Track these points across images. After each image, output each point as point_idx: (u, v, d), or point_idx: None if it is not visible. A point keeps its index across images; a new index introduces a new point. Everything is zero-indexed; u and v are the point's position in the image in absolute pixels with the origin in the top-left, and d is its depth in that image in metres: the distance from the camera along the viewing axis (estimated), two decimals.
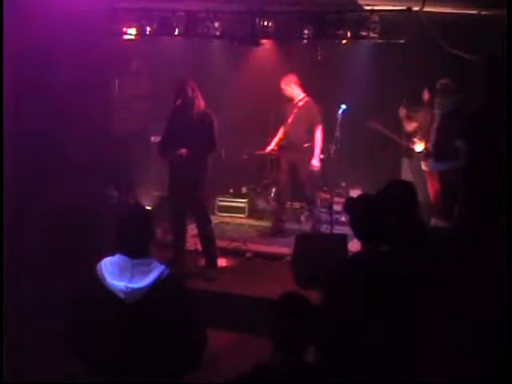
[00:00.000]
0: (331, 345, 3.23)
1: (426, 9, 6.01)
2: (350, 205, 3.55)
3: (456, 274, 4.09)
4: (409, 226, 3.74)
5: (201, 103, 6.36)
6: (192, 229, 6.87)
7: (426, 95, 7.59)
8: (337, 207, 8.15)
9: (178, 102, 6.29)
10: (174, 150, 6.27)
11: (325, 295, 3.37)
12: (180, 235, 6.60)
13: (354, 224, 3.47)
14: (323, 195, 8.59)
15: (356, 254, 3.49)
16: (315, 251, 6.18)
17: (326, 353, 3.20)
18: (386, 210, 3.41)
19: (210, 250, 6.62)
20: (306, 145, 7.66)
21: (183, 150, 6.21)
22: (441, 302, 3.56)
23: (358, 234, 3.42)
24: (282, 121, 9.12)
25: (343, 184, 8.87)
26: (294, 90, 7.70)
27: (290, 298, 2.80)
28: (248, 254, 7.14)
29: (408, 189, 3.83)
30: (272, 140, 8.02)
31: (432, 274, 3.44)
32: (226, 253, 7.01)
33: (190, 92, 6.26)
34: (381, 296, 3.16)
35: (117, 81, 7.80)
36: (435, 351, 3.51)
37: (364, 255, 3.36)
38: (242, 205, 8.72)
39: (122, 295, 2.82)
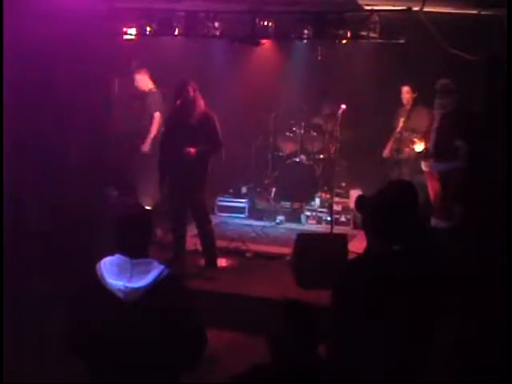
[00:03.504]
0: (344, 345, 3.22)
1: (426, 9, 6.01)
2: (363, 203, 3.51)
3: (456, 274, 4.08)
4: (409, 226, 3.73)
5: (201, 103, 6.35)
6: (192, 229, 6.86)
7: (406, 95, 7.62)
8: (337, 207, 8.16)
9: (178, 102, 6.29)
10: (176, 149, 6.25)
11: (338, 295, 3.35)
12: (180, 235, 6.59)
13: (366, 222, 3.43)
14: (323, 195, 8.61)
15: (366, 253, 3.46)
16: (315, 251, 6.18)
17: (336, 353, 3.19)
18: (386, 209, 3.40)
19: (210, 250, 6.62)
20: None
21: (192, 150, 6.19)
22: (441, 302, 3.55)
23: (371, 232, 3.38)
24: (282, 120, 9.17)
25: (343, 184, 8.88)
26: (140, 82, 7.85)
27: (291, 307, 2.79)
28: (248, 254, 7.14)
29: (408, 189, 3.82)
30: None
31: (432, 273, 3.43)
32: (226, 253, 7.01)
33: (190, 92, 6.26)
34: (395, 294, 3.16)
35: (117, 81, 7.81)
36: (435, 351, 3.52)
37: (378, 254, 3.32)
38: (242, 205, 8.73)
39: (120, 295, 2.83)
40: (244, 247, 7.24)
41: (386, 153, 7.89)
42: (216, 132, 6.37)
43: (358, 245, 6.38)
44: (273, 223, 8.37)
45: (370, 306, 3.16)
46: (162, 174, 6.48)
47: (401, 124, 7.68)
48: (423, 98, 7.55)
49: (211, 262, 6.60)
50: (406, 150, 7.54)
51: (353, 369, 3.08)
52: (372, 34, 6.41)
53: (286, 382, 2.63)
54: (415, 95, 7.62)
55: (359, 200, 3.59)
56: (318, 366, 2.70)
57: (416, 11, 6.09)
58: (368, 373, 3.10)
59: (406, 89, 7.67)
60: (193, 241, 6.87)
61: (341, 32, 6.49)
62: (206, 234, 6.59)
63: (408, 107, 7.71)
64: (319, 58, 8.44)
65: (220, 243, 6.93)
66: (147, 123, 7.71)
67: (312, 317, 2.73)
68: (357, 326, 3.16)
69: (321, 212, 8.40)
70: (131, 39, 7.19)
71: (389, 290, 3.17)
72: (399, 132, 7.69)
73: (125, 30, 7.00)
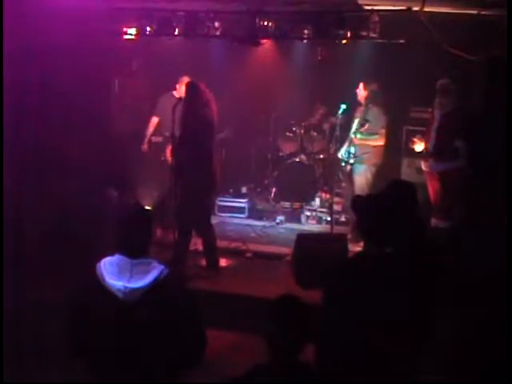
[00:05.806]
0: (333, 345, 3.22)
1: (426, 9, 6.01)
2: (359, 204, 3.50)
3: (456, 273, 4.09)
4: (409, 226, 3.73)
5: (209, 103, 6.30)
6: None
7: (359, 92, 7.49)
8: (337, 207, 8.16)
9: (182, 104, 6.28)
10: (178, 151, 6.24)
11: (328, 295, 3.35)
12: (186, 236, 6.52)
13: (361, 224, 3.43)
14: (323, 195, 8.60)
15: (359, 255, 3.45)
16: (315, 251, 6.18)
17: (327, 353, 3.19)
18: (386, 210, 3.40)
19: (213, 253, 6.54)
20: None
21: (183, 153, 6.16)
22: (441, 302, 3.56)
23: (366, 234, 3.37)
24: (282, 120, 9.17)
25: (343, 184, 8.87)
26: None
27: (285, 302, 2.78)
28: (248, 254, 7.14)
29: (408, 189, 3.82)
30: None
31: (432, 274, 3.43)
32: (226, 253, 6.99)
33: (195, 94, 6.23)
34: (386, 296, 3.15)
35: (117, 81, 7.81)
36: (436, 350, 3.52)
37: (370, 257, 3.32)
38: (242, 205, 8.72)
39: (120, 295, 2.83)
40: (244, 247, 7.24)
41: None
42: (202, 134, 6.28)
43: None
44: (273, 223, 8.37)
45: (365, 306, 3.15)
46: (173, 175, 6.48)
47: (354, 126, 7.58)
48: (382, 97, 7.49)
49: (213, 264, 6.54)
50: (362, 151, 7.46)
51: (339, 368, 3.08)
52: (372, 34, 6.41)
53: (282, 380, 2.63)
54: (367, 93, 7.47)
55: (356, 200, 3.58)
56: (307, 364, 2.70)
57: (416, 11, 6.09)
58: (355, 373, 3.10)
59: (360, 86, 7.50)
60: (193, 241, 6.86)
61: (341, 32, 6.49)
62: (209, 237, 6.51)
63: (362, 107, 7.57)
64: (319, 58, 8.42)
65: (220, 243, 6.91)
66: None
67: (303, 315, 2.73)
68: (346, 326, 3.16)
69: (321, 212, 8.40)
70: (131, 39, 7.19)
71: (386, 290, 3.17)
72: (353, 133, 7.56)
73: (125, 29, 7.00)
